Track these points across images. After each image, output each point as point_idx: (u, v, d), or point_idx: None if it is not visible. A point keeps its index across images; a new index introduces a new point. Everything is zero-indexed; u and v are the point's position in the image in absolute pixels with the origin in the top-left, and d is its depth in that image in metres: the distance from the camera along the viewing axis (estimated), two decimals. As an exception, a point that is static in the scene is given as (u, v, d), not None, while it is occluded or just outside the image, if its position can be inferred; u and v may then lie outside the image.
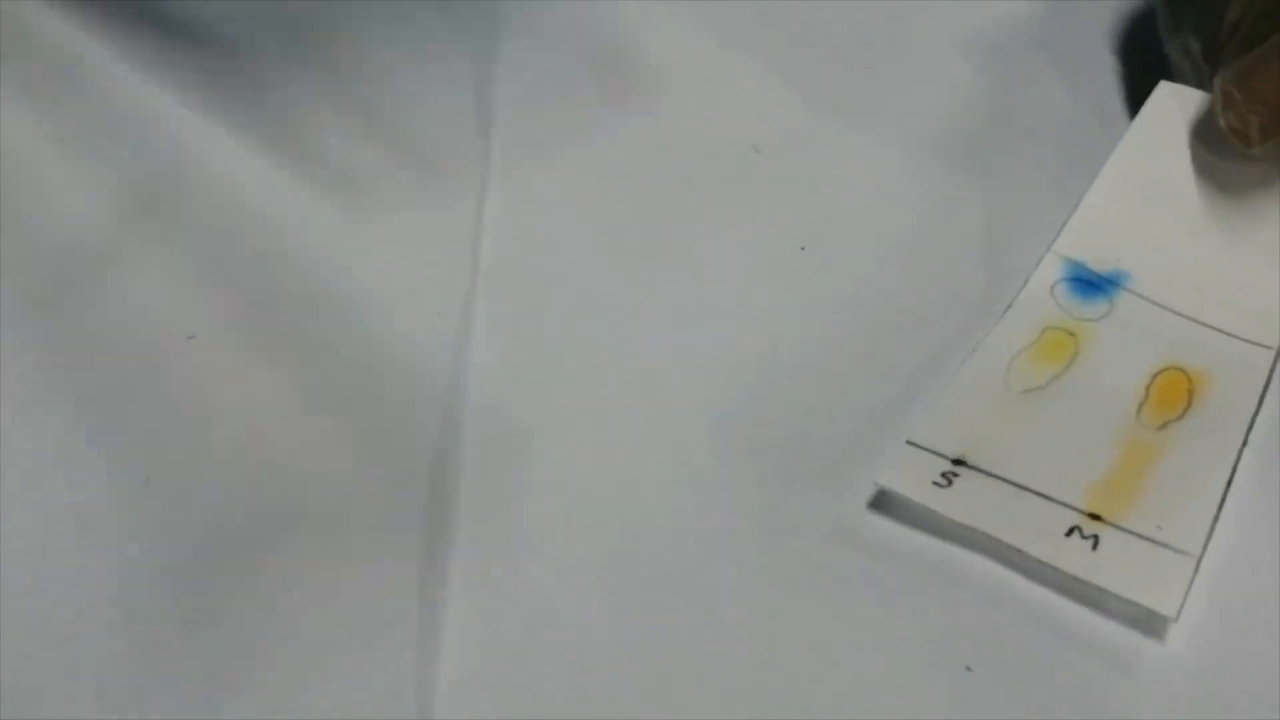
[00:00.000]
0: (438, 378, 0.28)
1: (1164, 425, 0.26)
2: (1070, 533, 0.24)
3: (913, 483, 0.25)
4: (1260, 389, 0.27)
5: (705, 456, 0.26)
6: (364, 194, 0.33)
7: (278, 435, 0.27)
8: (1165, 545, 0.24)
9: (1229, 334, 0.29)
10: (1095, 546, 0.24)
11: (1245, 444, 0.26)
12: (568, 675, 0.22)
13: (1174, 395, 0.27)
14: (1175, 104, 0.32)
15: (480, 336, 0.29)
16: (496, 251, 0.31)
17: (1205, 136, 0.31)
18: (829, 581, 0.24)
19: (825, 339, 0.29)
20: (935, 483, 0.25)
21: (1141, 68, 0.36)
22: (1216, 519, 0.24)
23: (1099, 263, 0.30)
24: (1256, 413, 0.27)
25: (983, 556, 0.24)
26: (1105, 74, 0.37)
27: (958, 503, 0.24)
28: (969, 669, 0.22)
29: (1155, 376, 0.28)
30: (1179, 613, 0.22)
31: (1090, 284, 0.30)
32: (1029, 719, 0.22)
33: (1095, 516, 0.24)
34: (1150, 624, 0.23)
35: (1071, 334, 0.29)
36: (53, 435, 0.27)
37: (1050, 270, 0.30)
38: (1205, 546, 0.24)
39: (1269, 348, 0.28)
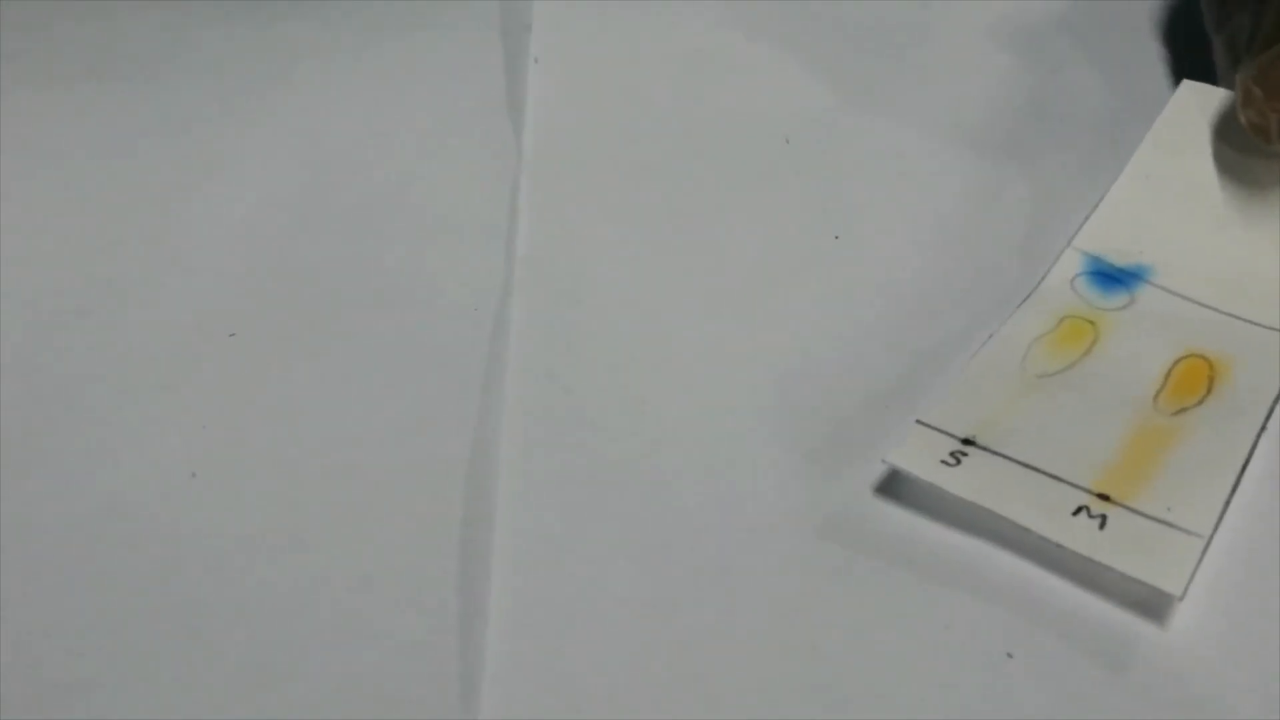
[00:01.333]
0: (474, 369, 0.28)
1: (1180, 411, 0.26)
2: (1077, 512, 0.24)
3: (921, 461, 0.25)
4: None
5: (740, 446, 0.26)
6: (398, 188, 0.33)
7: (317, 429, 0.27)
8: (1173, 526, 0.24)
9: (1252, 322, 0.28)
10: (1102, 526, 0.24)
11: (1264, 429, 0.26)
12: (608, 663, 0.22)
13: (1193, 382, 0.27)
14: (1198, 102, 0.32)
15: (516, 328, 0.29)
16: (531, 244, 0.31)
17: (1227, 133, 0.31)
18: (865, 568, 0.24)
19: (858, 329, 0.29)
20: (944, 461, 0.25)
21: (1180, 57, 0.36)
22: (1228, 503, 0.24)
23: (1120, 256, 0.30)
24: (1277, 398, 0.27)
25: (1007, 548, 0.24)
26: (1140, 62, 0.37)
27: (965, 481, 0.24)
28: (1010, 655, 0.22)
29: (1175, 363, 0.28)
30: (1184, 592, 0.22)
31: (1111, 277, 0.30)
32: (1071, 704, 0.22)
33: (1104, 497, 0.24)
34: (1158, 608, 0.23)
35: (1091, 322, 0.29)
36: (97, 430, 0.27)
37: (1070, 265, 0.30)
38: (1215, 529, 0.23)
39: None
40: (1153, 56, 0.37)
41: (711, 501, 0.25)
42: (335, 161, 0.34)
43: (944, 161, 0.34)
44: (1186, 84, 0.32)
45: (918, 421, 0.26)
